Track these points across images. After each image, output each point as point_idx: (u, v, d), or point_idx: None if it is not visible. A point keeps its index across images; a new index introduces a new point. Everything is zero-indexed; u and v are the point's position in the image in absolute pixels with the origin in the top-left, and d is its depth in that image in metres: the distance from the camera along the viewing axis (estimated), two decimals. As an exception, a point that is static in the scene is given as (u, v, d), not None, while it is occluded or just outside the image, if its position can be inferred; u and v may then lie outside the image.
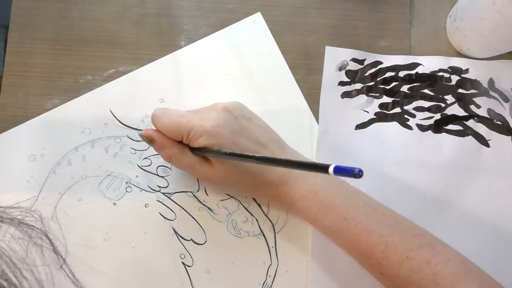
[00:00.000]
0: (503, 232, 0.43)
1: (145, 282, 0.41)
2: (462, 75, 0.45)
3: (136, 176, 0.43)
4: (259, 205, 0.43)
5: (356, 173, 0.23)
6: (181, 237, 0.42)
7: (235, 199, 0.43)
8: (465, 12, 0.43)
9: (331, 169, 0.25)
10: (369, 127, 0.45)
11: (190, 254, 0.42)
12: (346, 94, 0.45)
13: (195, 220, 0.42)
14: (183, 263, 0.41)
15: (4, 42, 0.45)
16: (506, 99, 0.45)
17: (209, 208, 0.43)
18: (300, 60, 0.46)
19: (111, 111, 0.44)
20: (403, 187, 0.43)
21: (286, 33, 0.46)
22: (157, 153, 0.42)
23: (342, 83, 0.45)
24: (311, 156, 0.44)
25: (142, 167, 0.43)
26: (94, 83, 0.45)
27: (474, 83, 0.45)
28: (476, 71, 0.45)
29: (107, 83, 0.44)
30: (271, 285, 0.41)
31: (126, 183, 0.43)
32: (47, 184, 0.42)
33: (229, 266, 0.42)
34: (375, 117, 0.45)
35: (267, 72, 0.45)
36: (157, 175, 0.43)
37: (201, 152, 0.36)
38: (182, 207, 0.42)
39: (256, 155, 0.32)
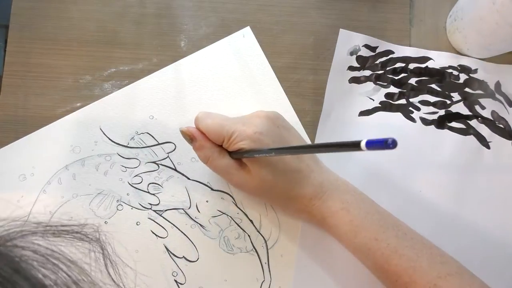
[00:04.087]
0: (494, 234, 0.43)
1: (138, 301, 0.41)
2: (471, 75, 0.45)
3: (127, 194, 0.43)
4: (251, 221, 0.43)
5: (389, 144, 0.23)
6: (173, 254, 0.42)
7: (227, 215, 0.43)
8: (465, 12, 0.43)
9: (363, 143, 0.24)
10: (373, 115, 0.45)
11: (182, 272, 0.41)
12: (354, 80, 0.45)
13: (187, 237, 0.42)
14: (175, 280, 0.41)
15: (4, 42, 0.45)
16: (510, 104, 0.45)
17: (201, 225, 0.42)
18: (300, 60, 0.46)
19: (100, 129, 0.44)
20: (401, 179, 0.43)
21: (286, 33, 0.46)
22: (152, 170, 0.42)
23: (351, 68, 0.45)
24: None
25: (133, 185, 0.43)
26: (94, 83, 0.45)
27: (481, 84, 0.45)
28: (485, 72, 0.45)
29: (96, 101, 0.44)
30: (265, 302, 0.41)
31: (117, 201, 0.42)
32: (37, 203, 0.42)
33: (222, 283, 0.41)
34: (380, 105, 0.45)
35: (257, 86, 0.45)
36: (148, 192, 0.43)
37: (239, 154, 0.36)
38: (173, 224, 0.42)
39: (291, 145, 0.33)
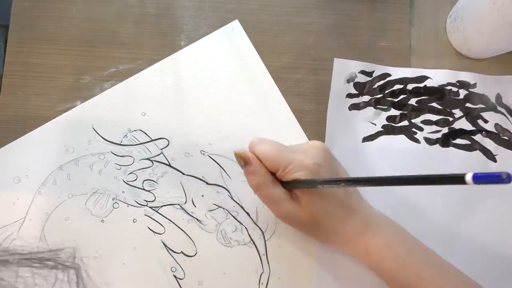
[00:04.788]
0: (506, 255, 0.42)
1: (138, 298, 0.41)
2: (470, 90, 0.45)
3: (123, 192, 0.43)
4: (247, 213, 0.43)
5: (504, 178, 0.21)
6: (171, 250, 0.42)
7: (223, 209, 0.43)
8: (465, 12, 0.43)
9: (468, 177, 0.22)
10: (376, 139, 0.44)
11: (181, 267, 0.41)
12: (354, 106, 0.45)
13: (184, 232, 0.42)
14: (174, 276, 0.41)
15: (4, 42, 0.45)
16: None
17: (197, 220, 0.42)
18: (301, 60, 0.46)
19: (93, 128, 0.43)
20: (410, 202, 0.43)
21: (286, 33, 0.46)
22: (146, 166, 0.42)
23: (350, 95, 0.45)
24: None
25: (128, 182, 0.43)
26: (94, 83, 0.45)
27: (482, 98, 0.45)
28: (484, 86, 0.45)
29: (88, 100, 0.44)
30: (264, 293, 0.41)
31: (113, 199, 0.42)
32: (33, 205, 0.42)
33: (221, 276, 0.41)
34: (382, 129, 0.44)
35: (248, 78, 0.45)
36: (144, 189, 0.43)
37: (293, 185, 0.35)
38: (170, 220, 0.42)
39: (365, 177, 0.31)
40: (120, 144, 0.43)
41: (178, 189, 0.43)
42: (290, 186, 0.36)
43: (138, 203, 0.42)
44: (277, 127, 0.44)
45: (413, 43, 0.46)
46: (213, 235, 0.42)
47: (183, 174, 0.43)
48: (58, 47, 0.45)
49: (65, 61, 0.45)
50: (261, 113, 0.44)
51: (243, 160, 0.36)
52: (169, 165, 0.43)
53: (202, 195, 0.43)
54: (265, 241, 0.42)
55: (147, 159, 0.43)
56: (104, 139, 0.43)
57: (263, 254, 0.42)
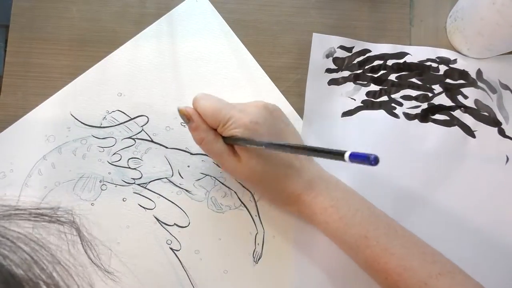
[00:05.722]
0: (482, 225, 0.42)
1: (138, 275, 0.41)
2: (450, 65, 0.45)
3: (109, 173, 0.43)
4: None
5: (371, 160, 0.23)
6: (164, 223, 0.42)
7: (210, 176, 0.43)
8: (465, 12, 0.43)
9: (347, 155, 0.25)
10: (356, 114, 0.44)
11: (176, 239, 0.42)
12: (333, 81, 0.45)
13: (175, 204, 0.42)
14: (171, 248, 0.42)
15: (4, 42, 0.45)
16: (494, 91, 0.44)
17: (186, 190, 0.43)
18: (300, 60, 0.46)
19: (71, 114, 0.44)
20: (387, 176, 0.43)
21: (286, 33, 0.46)
22: (129, 145, 0.42)
23: (329, 70, 0.45)
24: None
25: (113, 163, 0.43)
26: None
27: (462, 74, 0.45)
28: (465, 62, 0.45)
29: (62, 89, 0.44)
30: (261, 253, 0.42)
31: (100, 181, 0.43)
32: (21, 198, 0.42)
33: (217, 243, 0.42)
34: (362, 105, 0.44)
35: (219, 46, 0.45)
36: (129, 167, 0.43)
37: (232, 141, 0.36)
38: (160, 194, 0.42)
39: (282, 142, 0.32)
40: (100, 127, 0.43)
41: (163, 163, 0.43)
42: (229, 141, 0.37)
43: (126, 182, 0.43)
44: (256, 89, 0.45)
45: (413, 43, 0.46)
46: (203, 204, 0.42)
47: (167, 148, 0.43)
48: (58, 47, 0.45)
49: (65, 61, 0.45)
50: (238, 79, 0.45)
51: (186, 116, 0.37)
52: (152, 141, 0.43)
53: (188, 166, 0.43)
54: (255, 202, 0.43)
55: (129, 137, 0.43)
56: (84, 123, 0.43)
57: (255, 215, 0.42)
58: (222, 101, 0.37)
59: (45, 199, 0.42)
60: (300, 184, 0.37)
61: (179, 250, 0.42)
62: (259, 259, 0.42)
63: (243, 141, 0.35)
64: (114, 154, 0.43)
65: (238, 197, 0.43)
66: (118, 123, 0.43)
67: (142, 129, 0.43)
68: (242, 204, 0.43)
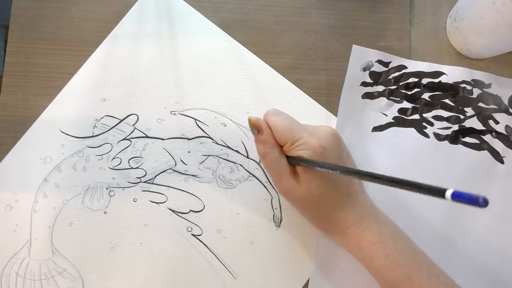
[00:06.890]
0: (508, 253, 0.42)
1: (168, 270, 0.41)
2: (484, 89, 0.45)
3: (113, 178, 0.43)
4: (236, 151, 0.43)
5: (480, 202, 0.21)
6: (180, 212, 0.42)
7: (213, 156, 0.43)
8: (465, 12, 0.43)
9: (448, 194, 0.22)
10: (386, 130, 0.44)
11: (196, 224, 0.42)
12: (367, 95, 0.45)
13: (186, 191, 0.42)
14: (192, 235, 0.42)
15: (4, 42, 0.45)
16: None
17: (193, 175, 0.43)
18: (300, 60, 0.46)
19: (61, 131, 0.43)
20: (413, 196, 0.42)
21: (286, 33, 0.46)
22: (125, 146, 0.42)
23: (364, 84, 0.45)
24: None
25: (115, 168, 0.43)
26: None
27: (495, 99, 0.45)
28: (499, 87, 0.45)
29: (45, 109, 0.44)
30: (281, 216, 0.42)
31: (107, 188, 0.42)
32: (33, 224, 0.42)
33: (236, 218, 0.42)
34: (393, 121, 0.44)
35: (188, 35, 0.45)
36: (132, 168, 0.43)
37: (297, 161, 0.36)
38: (168, 186, 0.43)
39: (364, 170, 0.31)
40: (93, 136, 0.43)
41: (164, 155, 0.43)
42: (294, 161, 0.36)
43: (132, 183, 0.43)
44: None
45: (413, 43, 0.46)
46: (213, 184, 0.43)
47: (163, 139, 0.43)
48: (58, 47, 0.45)
49: (65, 61, 0.45)
50: (207, 60, 0.45)
51: (256, 128, 0.37)
52: (147, 136, 0.43)
53: (189, 152, 0.43)
54: (263, 169, 0.43)
55: (124, 139, 0.43)
56: (76, 137, 0.43)
57: (266, 182, 0.43)
58: (293, 120, 0.37)
59: (58, 219, 0.42)
60: (351, 216, 0.37)
61: (201, 235, 0.42)
62: (280, 222, 0.42)
63: (311, 163, 0.34)
64: (114, 158, 0.43)
65: (245, 169, 0.43)
66: (110, 127, 0.43)
67: (135, 128, 0.43)
68: (250, 175, 0.43)
